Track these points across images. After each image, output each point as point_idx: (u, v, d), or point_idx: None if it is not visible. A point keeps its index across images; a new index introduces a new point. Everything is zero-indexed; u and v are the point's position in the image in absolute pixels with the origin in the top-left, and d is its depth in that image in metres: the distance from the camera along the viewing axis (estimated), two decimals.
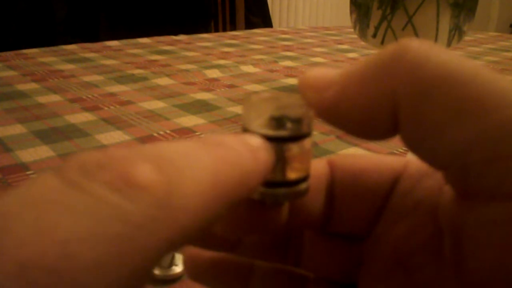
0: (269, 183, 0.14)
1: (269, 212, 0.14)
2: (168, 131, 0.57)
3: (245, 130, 0.14)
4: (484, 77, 0.11)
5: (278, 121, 0.13)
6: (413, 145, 0.13)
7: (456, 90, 0.11)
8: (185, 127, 0.59)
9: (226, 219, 0.14)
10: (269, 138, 0.13)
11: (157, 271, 0.31)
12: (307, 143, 0.14)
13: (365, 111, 0.13)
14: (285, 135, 0.13)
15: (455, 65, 0.12)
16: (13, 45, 1.12)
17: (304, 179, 0.14)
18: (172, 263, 0.32)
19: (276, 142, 0.13)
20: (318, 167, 0.16)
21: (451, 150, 0.12)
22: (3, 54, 0.96)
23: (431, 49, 0.12)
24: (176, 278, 0.32)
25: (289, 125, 0.13)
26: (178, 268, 0.32)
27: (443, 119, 0.12)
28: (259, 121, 0.13)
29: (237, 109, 0.65)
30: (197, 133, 0.56)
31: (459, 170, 0.12)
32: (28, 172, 0.45)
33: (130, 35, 1.20)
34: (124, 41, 1.13)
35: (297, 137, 0.13)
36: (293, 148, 0.13)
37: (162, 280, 0.31)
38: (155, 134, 0.56)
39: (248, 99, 0.14)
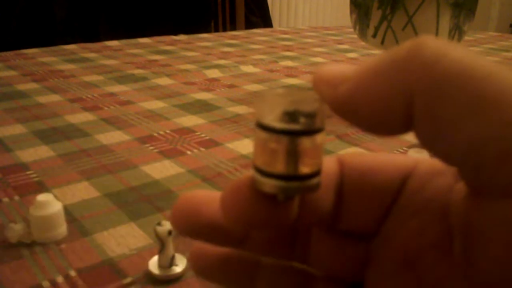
0: (281, 176, 0.14)
1: (280, 207, 0.14)
2: (168, 131, 0.57)
3: (258, 123, 0.14)
4: (499, 74, 0.11)
5: (291, 115, 0.13)
6: (427, 142, 0.13)
7: (471, 87, 0.11)
8: (185, 127, 0.59)
9: (236, 212, 0.14)
10: (282, 132, 0.13)
11: (157, 271, 0.31)
12: (319, 138, 0.14)
13: (379, 107, 0.13)
14: (298, 129, 0.13)
15: (471, 62, 0.12)
16: (13, 45, 1.12)
17: (316, 173, 0.14)
18: (172, 263, 0.32)
19: (289, 135, 0.13)
20: (328, 164, 0.16)
21: (466, 146, 0.12)
22: (3, 54, 0.96)
23: (446, 46, 0.12)
24: (176, 278, 0.32)
25: (302, 119, 0.13)
26: (178, 268, 0.32)
27: (458, 116, 0.12)
28: (273, 115, 0.13)
29: (237, 109, 0.65)
30: (197, 133, 0.56)
31: (473, 167, 0.12)
32: (28, 172, 0.45)
33: (130, 35, 1.20)
34: (124, 41, 1.13)
35: (310, 132, 0.13)
36: (306, 143, 0.13)
37: (162, 280, 0.31)
38: (155, 134, 0.56)
39: (262, 95, 0.14)
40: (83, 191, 0.42)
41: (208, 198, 0.16)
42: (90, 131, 0.56)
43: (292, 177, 0.14)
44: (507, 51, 1.12)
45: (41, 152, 0.50)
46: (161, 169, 0.47)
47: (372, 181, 0.16)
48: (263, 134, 0.14)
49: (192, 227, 0.16)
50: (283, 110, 0.13)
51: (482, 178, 0.12)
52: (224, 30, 2.12)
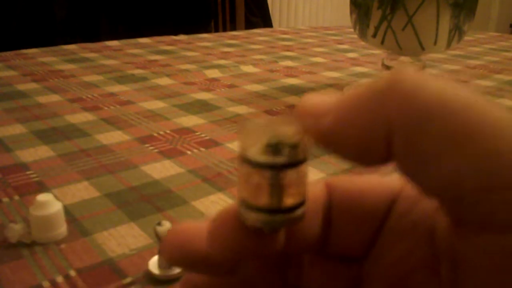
0: (265, 210, 0.14)
1: (266, 238, 0.14)
2: (168, 131, 0.57)
3: (242, 157, 0.14)
4: (478, 107, 0.12)
5: (274, 148, 0.13)
6: (407, 173, 0.13)
7: (449, 121, 0.11)
8: (185, 127, 0.59)
9: (222, 244, 0.14)
10: (265, 166, 0.13)
11: (157, 271, 0.31)
12: (303, 168, 0.14)
13: (360, 140, 0.13)
14: (281, 162, 0.13)
15: (449, 95, 0.12)
16: (13, 45, 1.12)
17: (301, 204, 0.14)
18: None
19: (272, 169, 0.13)
20: (315, 189, 0.16)
21: (445, 179, 0.12)
22: (3, 54, 0.96)
23: (425, 79, 0.12)
24: (176, 278, 0.32)
25: (285, 151, 0.13)
26: (178, 268, 0.32)
27: (436, 149, 0.12)
28: (256, 148, 0.13)
29: (237, 109, 0.65)
30: (197, 133, 0.56)
31: (453, 199, 0.12)
32: (28, 172, 0.45)
33: (130, 35, 1.20)
34: (124, 41, 1.13)
35: (294, 164, 0.13)
36: (290, 175, 0.13)
37: (162, 280, 0.31)
38: (155, 134, 0.56)
39: (244, 126, 0.14)
40: (83, 191, 0.42)
41: (198, 230, 0.16)
42: (90, 131, 0.56)
43: (276, 210, 0.14)
44: (507, 51, 1.12)
45: (41, 152, 0.50)
46: (161, 169, 0.47)
47: (360, 205, 0.16)
48: (246, 168, 0.14)
49: (184, 260, 0.16)
50: (266, 142, 0.13)
51: (461, 210, 0.12)
52: (224, 30, 2.12)
